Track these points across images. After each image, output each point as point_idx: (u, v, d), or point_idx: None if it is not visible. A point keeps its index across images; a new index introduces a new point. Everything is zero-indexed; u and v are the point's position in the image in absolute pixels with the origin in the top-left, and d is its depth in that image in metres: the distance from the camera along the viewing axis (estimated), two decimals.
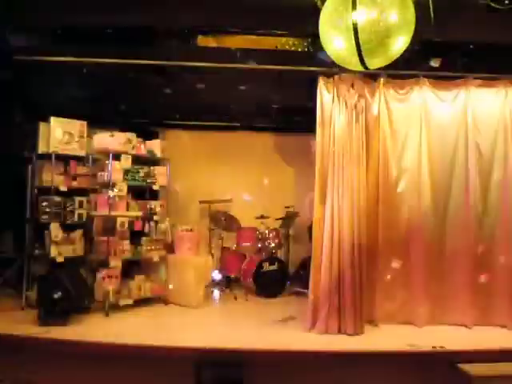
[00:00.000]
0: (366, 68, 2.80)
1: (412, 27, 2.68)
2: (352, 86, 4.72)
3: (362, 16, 2.51)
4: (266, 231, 6.72)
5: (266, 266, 6.39)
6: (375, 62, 2.77)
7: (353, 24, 2.51)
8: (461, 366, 3.82)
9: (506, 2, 3.74)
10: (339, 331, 4.55)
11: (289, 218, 7.01)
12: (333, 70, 4.59)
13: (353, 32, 2.53)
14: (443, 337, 4.43)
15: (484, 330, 4.77)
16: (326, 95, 4.73)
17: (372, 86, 4.86)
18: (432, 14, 3.79)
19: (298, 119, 7.42)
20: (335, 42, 2.70)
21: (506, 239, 4.83)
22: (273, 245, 6.69)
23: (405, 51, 2.79)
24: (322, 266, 4.63)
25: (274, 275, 6.42)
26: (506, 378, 3.72)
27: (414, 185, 4.87)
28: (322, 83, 4.73)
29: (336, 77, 4.72)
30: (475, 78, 4.87)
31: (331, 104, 4.71)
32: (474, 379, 3.66)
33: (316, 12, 2.77)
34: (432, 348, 4.01)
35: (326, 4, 2.70)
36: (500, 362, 3.90)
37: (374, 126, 4.83)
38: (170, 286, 5.77)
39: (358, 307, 4.56)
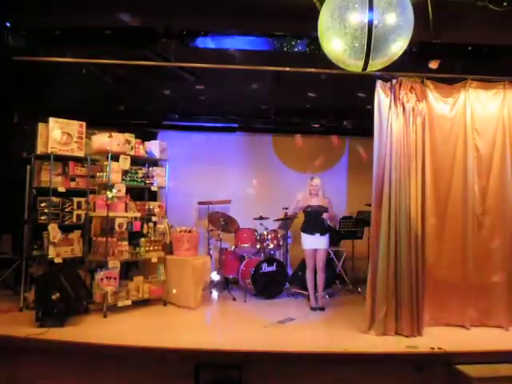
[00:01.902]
0: (364, 69, 2.81)
1: (411, 29, 2.69)
2: (410, 89, 4.73)
3: (372, 17, 2.51)
4: (265, 232, 6.72)
5: (265, 267, 6.39)
6: (374, 64, 2.78)
7: (368, 24, 2.50)
8: (460, 367, 3.82)
9: (505, 4, 3.75)
10: (396, 332, 4.57)
11: (287, 219, 7.00)
12: (391, 74, 4.66)
13: (367, 32, 2.51)
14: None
15: (483, 330, 4.77)
16: (383, 99, 4.73)
17: (442, 87, 4.86)
18: (431, 16, 3.82)
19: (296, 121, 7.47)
20: (334, 43, 2.70)
21: None
22: (271, 246, 6.69)
23: (403, 53, 2.81)
24: (379, 269, 4.64)
25: (272, 276, 6.42)
26: (505, 380, 3.72)
27: (470, 186, 4.85)
28: (379, 87, 4.73)
29: (394, 80, 4.75)
30: (473, 80, 4.88)
31: (388, 108, 4.72)
32: (473, 380, 3.66)
33: (315, 13, 2.78)
34: (431, 349, 4.01)
35: (325, 5, 2.70)
36: (499, 363, 3.91)
37: (430, 129, 4.83)
38: (174, 291, 5.75)
39: (415, 309, 4.56)
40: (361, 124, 7.59)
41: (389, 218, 4.62)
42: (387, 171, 4.66)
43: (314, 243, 5.67)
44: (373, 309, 4.66)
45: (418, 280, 4.59)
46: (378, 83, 4.72)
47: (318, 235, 5.65)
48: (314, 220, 5.69)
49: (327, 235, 5.73)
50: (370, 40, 2.55)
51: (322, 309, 5.63)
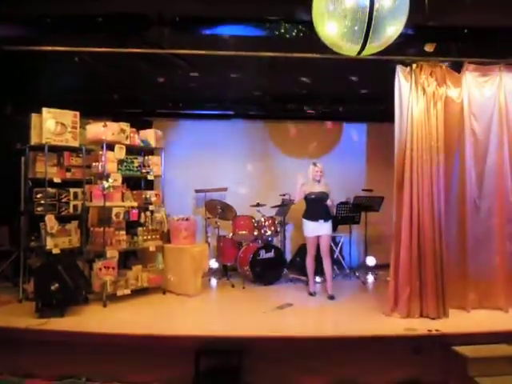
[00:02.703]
0: (359, 53, 2.79)
1: (407, 12, 2.66)
2: (431, 74, 4.73)
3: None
4: (262, 219, 6.73)
5: (263, 254, 6.42)
6: (370, 48, 2.76)
7: (369, 6, 2.47)
8: (456, 348, 3.87)
9: None
10: (421, 315, 4.61)
11: (284, 206, 7.02)
12: (411, 58, 4.67)
13: (367, 14, 2.49)
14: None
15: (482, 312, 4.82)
16: (404, 84, 4.74)
17: (452, 73, 4.85)
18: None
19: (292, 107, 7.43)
20: (329, 27, 2.68)
21: None
22: (269, 232, 6.70)
23: (398, 36, 2.78)
24: (402, 251, 4.67)
25: (270, 262, 6.45)
26: (501, 360, 3.78)
27: (497, 167, 4.87)
28: (400, 72, 4.74)
29: (414, 65, 4.75)
30: (469, 63, 4.85)
31: (409, 92, 4.73)
32: (469, 361, 3.72)
33: None
34: (428, 331, 4.06)
35: None
36: (496, 343, 3.97)
37: (452, 113, 4.83)
38: (171, 278, 5.77)
39: (439, 291, 4.60)
40: (356, 109, 7.59)
41: (410, 201, 4.67)
42: (408, 155, 4.70)
43: (317, 230, 5.57)
44: (396, 291, 4.71)
45: (443, 261, 4.62)
46: (398, 68, 4.74)
47: (321, 221, 5.56)
48: (317, 207, 5.59)
49: (330, 221, 5.67)
50: (370, 23, 2.52)
51: (331, 297, 5.51)
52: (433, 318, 4.53)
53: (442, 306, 4.59)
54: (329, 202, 5.63)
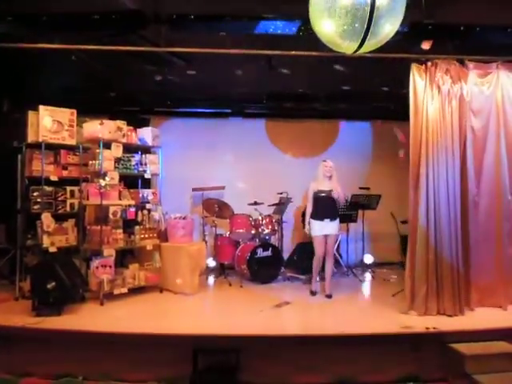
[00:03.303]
0: (356, 51, 2.79)
1: (403, 9, 2.66)
2: (446, 71, 4.73)
3: None
4: (260, 217, 6.72)
5: (260, 252, 6.41)
6: (366, 46, 2.75)
7: (370, 4, 2.46)
8: (454, 345, 3.88)
9: None
10: (438, 312, 4.62)
11: (282, 204, 7.01)
12: (426, 56, 4.68)
13: (368, 12, 2.48)
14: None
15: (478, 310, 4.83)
16: (419, 82, 4.75)
17: (464, 71, 4.84)
18: None
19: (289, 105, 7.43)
20: (326, 25, 2.67)
21: None
22: (266, 231, 6.70)
23: (395, 34, 2.78)
24: (418, 250, 4.68)
25: (267, 261, 6.45)
26: (498, 356, 3.79)
27: (495, 165, 4.88)
28: (415, 70, 4.74)
29: (429, 63, 4.75)
30: (469, 61, 4.85)
31: (423, 90, 4.74)
32: (467, 358, 3.72)
33: None
34: (426, 329, 4.07)
35: None
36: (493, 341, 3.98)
37: (463, 110, 4.82)
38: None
39: (456, 289, 4.61)
40: (354, 108, 7.60)
41: (427, 199, 4.67)
42: (423, 153, 4.70)
43: (324, 229, 5.45)
44: (413, 289, 4.71)
45: (459, 259, 4.63)
46: (414, 66, 4.74)
47: (327, 221, 5.45)
48: (324, 205, 5.49)
49: (337, 220, 5.57)
50: (371, 21, 2.51)
51: (329, 296, 5.49)
52: (449, 316, 4.56)
53: (459, 303, 4.61)
54: (334, 195, 5.47)
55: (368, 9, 2.48)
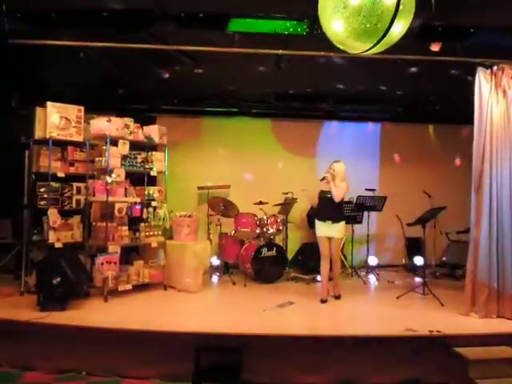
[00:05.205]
0: (366, 51, 2.77)
1: (412, 10, 2.64)
2: None
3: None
4: (265, 217, 6.72)
5: (265, 252, 6.41)
6: (377, 47, 2.73)
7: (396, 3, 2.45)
8: (457, 349, 3.86)
9: None
10: (498, 315, 4.64)
11: (287, 204, 7.01)
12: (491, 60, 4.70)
13: (393, 11, 2.46)
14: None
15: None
16: (484, 85, 4.74)
17: None
18: None
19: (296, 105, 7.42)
20: (335, 24, 2.65)
21: None
22: (271, 230, 6.69)
23: (404, 35, 2.76)
24: (480, 256, 4.68)
25: (272, 261, 6.45)
26: (502, 361, 3.76)
27: None
28: (480, 74, 4.74)
29: (495, 68, 4.74)
30: (475, 63, 4.82)
31: (488, 94, 4.72)
32: (470, 362, 3.70)
33: None
34: (429, 332, 4.05)
35: None
36: (495, 345, 3.96)
37: None
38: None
39: None
40: (361, 109, 7.58)
41: (490, 203, 4.66)
42: (487, 157, 4.69)
43: (327, 231, 5.36)
44: (473, 293, 4.72)
45: None
46: (480, 70, 4.74)
47: (329, 223, 5.33)
48: (326, 206, 5.39)
49: (341, 223, 5.39)
50: (393, 21, 2.49)
51: (337, 297, 5.49)
52: (509, 319, 4.56)
53: None
54: (333, 191, 5.28)
55: (382, 8, 2.46)
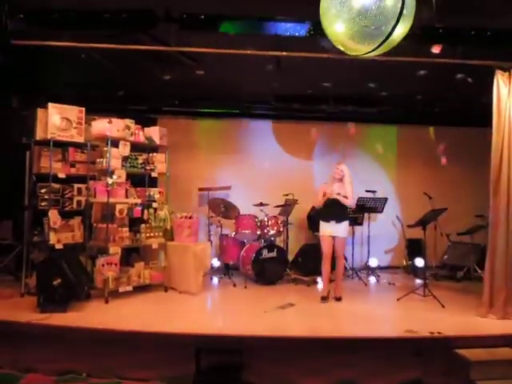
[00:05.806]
0: (367, 53, 2.77)
1: (413, 12, 2.64)
2: None
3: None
4: (265, 218, 6.71)
5: (265, 253, 6.40)
6: (379, 49, 2.74)
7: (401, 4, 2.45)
8: (459, 351, 3.86)
9: None
10: None
11: (288, 206, 7.01)
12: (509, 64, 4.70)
13: (398, 13, 2.45)
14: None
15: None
16: (502, 88, 4.74)
17: None
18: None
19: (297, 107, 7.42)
20: (337, 26, 2.65)
21: None
22: (272, 232, 6.69)
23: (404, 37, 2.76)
24: (497, 258, 4.69)
25: (272, 262, 6.44)
26: (503, 363, 3.76)
27: None
28: (499, 76, 4.74)
29: None
30: (475, 65, 4.83)
31: (507, 96, 4.73)
32: (471, 364, 3.70)
33: None
34: (430, 334, 4.04)
35: None
36: (497, 347, 3.95)
37: None
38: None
39: None
40: (362, 110, 7.58)
41: (507, 206, 4.66)
42: (505, 159, 4.68)
43: (330, 231, 5.38)
44: (491, 294, 4.73)
45: None
46: (498, 73, 4.73)
47: (333, 222, 5.35)
48: (330, 207, 5.38)
49: (344, 223, 5.42)
50: (398, 22, 2.49)
51: (338, 299, 5.46)
52: None
53: None
54: (340, 198, 5.33)
55: (381, 10, 2.46)
